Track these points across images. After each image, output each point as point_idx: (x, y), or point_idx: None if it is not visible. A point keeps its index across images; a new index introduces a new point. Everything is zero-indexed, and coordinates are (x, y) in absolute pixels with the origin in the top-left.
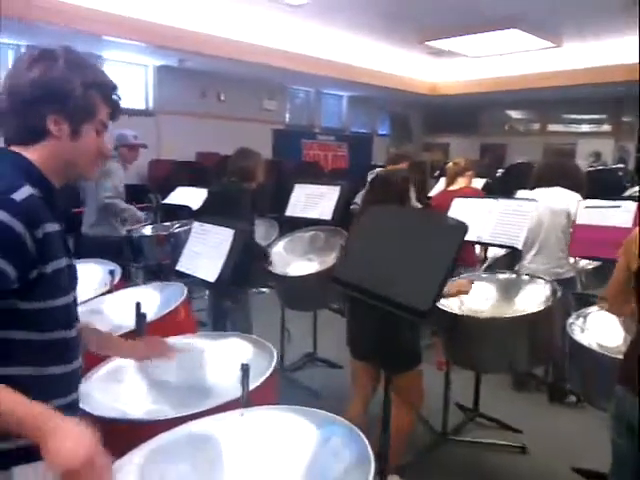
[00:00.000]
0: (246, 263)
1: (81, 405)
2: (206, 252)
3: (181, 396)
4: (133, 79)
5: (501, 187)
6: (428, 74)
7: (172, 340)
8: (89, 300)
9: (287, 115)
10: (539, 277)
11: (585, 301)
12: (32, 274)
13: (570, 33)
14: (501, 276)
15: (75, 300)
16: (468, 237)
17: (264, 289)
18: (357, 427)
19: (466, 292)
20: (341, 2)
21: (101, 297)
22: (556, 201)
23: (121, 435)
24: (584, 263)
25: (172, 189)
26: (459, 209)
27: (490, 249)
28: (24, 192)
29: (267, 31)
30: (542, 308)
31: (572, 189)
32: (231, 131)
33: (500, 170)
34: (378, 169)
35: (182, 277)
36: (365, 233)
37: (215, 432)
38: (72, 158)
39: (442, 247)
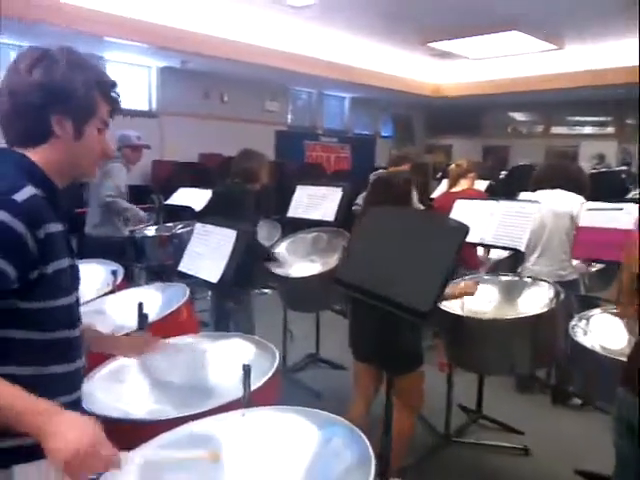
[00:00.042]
0: (248, 264)
1: (83, 404)
2: (208, 253)
3: (183, 396)
4: (136, 80)
5: (504, 189)
6: (431, 76)
7: (174, 340)
8: (92, 300)
9: (289, 116)
10: (542, 279)
11: (589, 303)
12: (33, 274)
13: (572, 35)
14: (504, 278)
15: (78, 300)
16: (470, 239)
17: (267, 290)
18: (359, 428)
19: (472, 293)
20: (344, 4)
21: (103, 297)
22: (559, 203)
23: (123, 435)
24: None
25: (175, 190)
26: (461, 211)
27: (493, 251)
28: (26, 192)
29: (270, 32)
30: (545, 310)
31: (575, 191)
32: (234, 132)
33: (503, 172)
34: (380, 170)
35: (184, 278)
36: (366, 234)
37: (216, 432)
38: (75, 158)
39: (443, 248)
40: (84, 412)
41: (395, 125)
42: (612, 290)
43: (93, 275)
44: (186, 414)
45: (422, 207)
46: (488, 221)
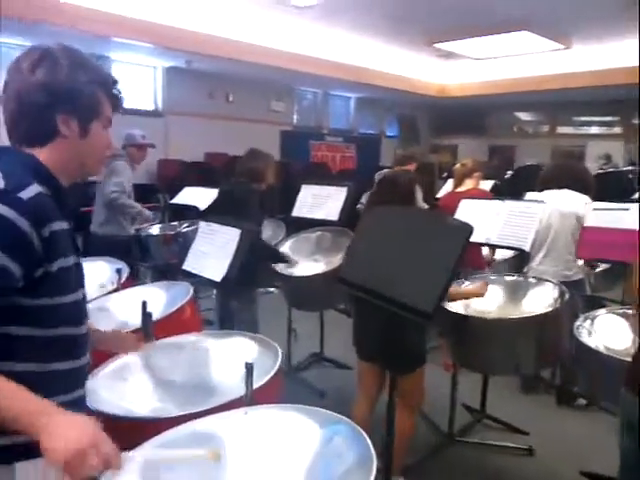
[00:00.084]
0: (253, 263)
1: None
2: (213, 252)
3: (186, 394)
4: (142, 80)
5: (509, 189)
6: (437, 76)
7: (177, 339)
8: (96, 298)
9: (295, 116)
10: (547, 279)
11: (594, 303)
12: (38, 272)
13: (580, 35)
14: (509, 278)
15: (84, 297)
16: (476, 239)
17: (272, 289)
18: (361, 428)
19: (482, 295)
20: (348, 4)
21: (108, 295)
22: (565, 203)
23: (125, 432)
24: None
25: (180, 189)
26: (466, 210)
27: (498, 251)
28: (32, 190)
29: (275, 33)
30: (549, 310)
31: (581, 191)
32: (239, 132)
33: (509, 172)
34: (385, 170)
35: (189, 276)
36: (370, 233)
37: (218, 430)
38: (81, 156)
39: (447, 248)
40: (88, 410)
41: (400, 125)
42: (618, 290)
43: (98, 273)
44: (188, 412)
45: (427, 207)
46: (493, 221)
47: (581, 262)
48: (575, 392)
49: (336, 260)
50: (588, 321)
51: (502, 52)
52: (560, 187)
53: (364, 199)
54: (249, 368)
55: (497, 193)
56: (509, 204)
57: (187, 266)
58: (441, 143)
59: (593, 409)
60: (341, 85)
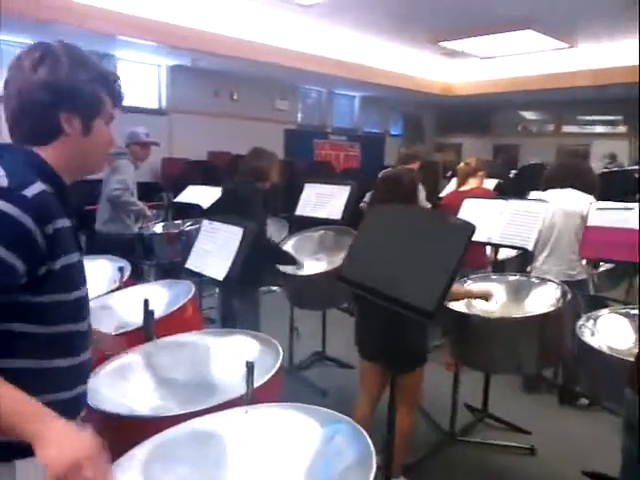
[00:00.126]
0: (255, 262)
1: (88, 400)
2: (215, 250)
3: (188, 393)
4: (146, 78)
5: (514, 188)
6: (441, 74)
7: (179, 337)
8: (99, 296)
9: (299, 115)
10: (549, 279)
11: (597, 303)
12: (41, 270)
13: (585, 33)
14: (511, 278)
15: (86, 294)
16: (479, 238)
17: (274, 288)
18: (362, 427)
19: (486, 299)
20: (352, 2)
21: (110, 293)
22: (569, 203)
23: (126, 431)
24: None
25: (184, 188)
26: (469, 210)
27: (501, 250)
28: (35, 188)
29: (279, 31)
30: (551, 310)
31: (585, 191)
32: (243, 131)
33: (513, 171)
34: (388, 169)
35: (192, 275)
36: (371, 232)
37: (219, 429)
38: (84, 154)
39: (448, 247)
40: (88, 407)
41: (405, 124)
42: (621, 290)
43: (100, 271)
44: (189, 411)
45: (429, 205)
46: (496, 220)
47: (584, 262)
48: (577, 392)
49: (339, 259)
50: (591, 321)
51: (507, 51)
52: (564, 186)
53: (367, 198)
54: (250, 367)
55: (501, 192)
56: (512, 203)
57: (190, 264)
58: (446, 142)
59: (595, 409)
60: (345, 84)
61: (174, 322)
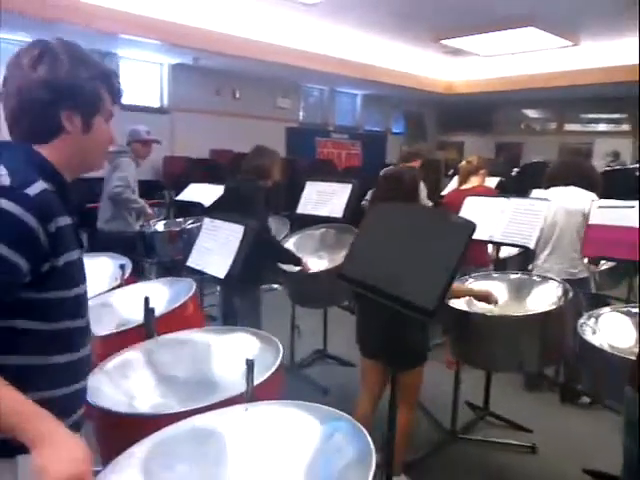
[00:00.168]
0: (257, 260)
1: (89, 399)
2: (216, 248)
3: (188, 390)
4: (148, 77)
5: (516, 186)
6: (443, 73)
7: (179, 334)
8: (100, 294)
9: (301, 113)
10: (551, 277)
11: (599, 301)
12: (44, 267)
13: (587, 31)
14: (513, 276)
15: (86, 291)
16: (480, 236)
17: (275, 286)
18: (363, 425)
19: (488, 301)
20: (355, 1)
21: (111, 291)
22: (571, 201)
23: (126, 429)
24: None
25: (186, 186)
26: (471, 208)
27: (503, 248)
28: (38, 187)
29: (281, 30)
30: (553, 308)
31: (587, 189)
32: (245, 129)
33: (515, 169)
34: (390, 167)
35: (194, 273)
36: (372, 230)
37: (219, 427)
38: (84, 151)
39: (449, 245)
40: (88, 403)
41: (407, 122)
42: (623, 288)
43: (102, 269)
44: (188, 408)
45: (431, 204)
46: (498, 218)
47: (586, 260)
48: (579, 390)
49: (340, 257)
50: (592, 319)
51: (509, 49)
52: (566, 184)
53: (369, 196)
54: (250, 364)
55: (503, 190)
56: (514, 202)
57: (191, 262)
58: (448, 140)
59: (597, 407)
60: (347, 82)
61: (175, 320)
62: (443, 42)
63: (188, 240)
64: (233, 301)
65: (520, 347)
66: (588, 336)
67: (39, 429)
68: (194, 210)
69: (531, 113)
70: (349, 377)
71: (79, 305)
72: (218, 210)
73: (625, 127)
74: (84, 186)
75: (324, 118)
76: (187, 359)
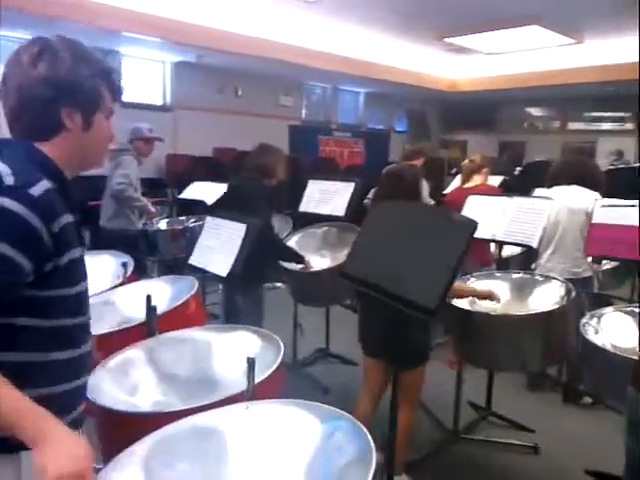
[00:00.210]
0: (260, 258)
1: (90, 396)
2: (218, 246)
3: (190, 388)
4: (151, 75)
5: (519, 185)
6: (447, 71)
7: (181, 332)
8: (102, 292)
9: (303, 111)
10: (553, 277)
11: (602, 301)
12: (47, 267)
13: (591, 30)
14: (515, 275)
15: (87, 288)
16: (483, 235)
17: (278, 284)
18: (363, 425)
19: (491, 298)
20: None
21: (113, 289)
22: (574, 200)
23: (127, 427)
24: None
25: (189, 184)
26: (473, 207)
27: (506, 248)
28: (42, 187)
29: (284, 27)
30: (555, 307)
31: (591, 188)
32: (248, 127)
33: (518, 168)
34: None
35: (196, 271)
36: (374, 228)
37: (219, 425)
38: (84, 149)
39: (450, 244)
40: (91, 402)
41: (410, 120)
42: (626, 288)
43: (104, 267)
44: (190, 407)
45: (433, 202)
46: (501, 217)
47: (589, 259)
48: (581, 390)
49: (342, 256)
50: (595, 319)
51: (513, 47)
52: (569, 183)
53: (372, 195)
54: (251, 363)
55: (506, 189)
56: (517, 200)
57: (193, 261)
58: (451, 139)
59: (599, 407)
60: (350, 80)
61: (177, 318)
62: (447, 40)
63: (191, 238)
64: (235, 299)
65: (522, 347)
66: (591, 336)
67: (38, 427)
68: (197, 208)
69: (534, 111)
70: (351, 376)
71: (80, 302)
72: (221, 208)
73: (629, 126)
74: (87, 184)
75: (327, 116)
76: (188, 357)
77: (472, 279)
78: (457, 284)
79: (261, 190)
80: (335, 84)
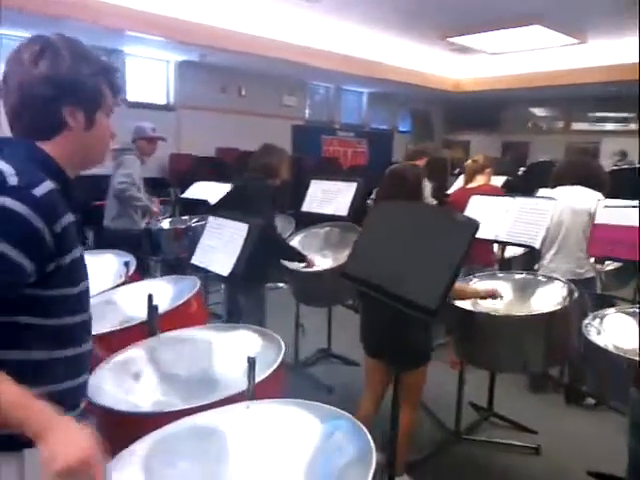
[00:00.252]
0: (262, 258)
1: (91, 396)
2: (220, 246)
3: (191, 388)
4: (154, 74)
5: (522, 185)
6: (451, 71)
7: (182, 332)
8: (104, 291)
9: (307, 111)
10: (556, 278)
11: (604, 302)
12: (49, 267)
13: (595, 30)
14: (518, 276)
15: (88, 287)
16: (485, 235)
17: (280, 284)
18: (364, 425)
19: (494, 297)
20: None
21: (115, 288)
22: (577, 200)
23: (128, 426)
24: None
25: (192, 183)
26: (476, 207)
27: (509, 248)
28: (45, 187)
29: (287, 27)
30: (558, 308)
31: (594, 188)
32: (251, 126)
33: (522, 168)
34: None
35: (198, 271)
36: (375, 229)
37: (220, 424)
38: (86, 147)
39: (452, 244)
40: (91, 402)
41: (413, 120)
42: (629, 289)
43: (106, 266)
44: (190, 406)
45: (435, 202)
46: (503, 218)
47: (592, 260)
48: (583, 391)
49: (344, 256)
50: (597, 320)
51: (516, 47)
52: (573, 184)
53: (375, 195)
54: (251, 362)
55: (509, 189)
56: (520, 201)
57: (195, 260)
58: (454, 139)
59: (601, 408)
60: (354, 80)
61: (178, 317)
62: (450, 40)
63: (193, 238)
64: (238, 299)
65: (524, 347)
66: (593, 337)
67: (43, 421)
68: (200, 208)
69: (538, 111)
70: (353, 376)
71: (82, 301)
72: (224, 208)
73: (633, 126)
74: (90, 183)
75: (330, 116)
76: (189, 357)
77: (475, 280)
78: (460, 286)
79: (265, 190)
80: (338, 84)
